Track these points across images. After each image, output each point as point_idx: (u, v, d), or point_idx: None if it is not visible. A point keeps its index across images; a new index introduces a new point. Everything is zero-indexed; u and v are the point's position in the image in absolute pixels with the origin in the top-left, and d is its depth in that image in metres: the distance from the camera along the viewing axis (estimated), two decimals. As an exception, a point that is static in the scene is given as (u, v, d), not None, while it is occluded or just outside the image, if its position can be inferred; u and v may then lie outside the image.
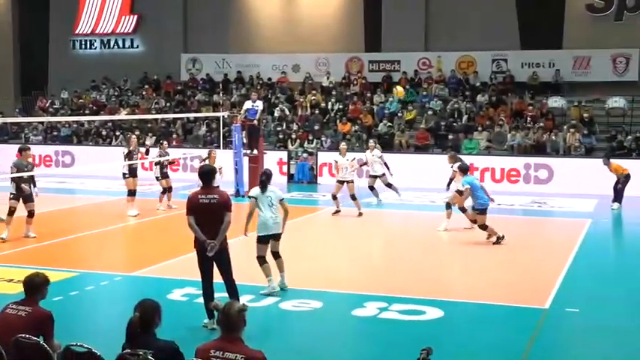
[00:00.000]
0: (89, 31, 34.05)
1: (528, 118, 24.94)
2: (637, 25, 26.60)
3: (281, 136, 26.46)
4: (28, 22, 34.72)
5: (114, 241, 15.29)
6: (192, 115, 27.39)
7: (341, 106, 27.77)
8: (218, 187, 9.04)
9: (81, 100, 31.88)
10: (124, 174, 17.50)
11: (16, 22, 34.98)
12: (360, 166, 19.45)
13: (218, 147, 22.21)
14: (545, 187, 22.08)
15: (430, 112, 26.18)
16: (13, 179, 13.95)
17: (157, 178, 18.46)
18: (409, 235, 16.29)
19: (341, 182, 17.81)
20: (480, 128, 24.76)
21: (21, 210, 14.14)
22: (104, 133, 28.94)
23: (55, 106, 31.87)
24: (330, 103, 28.13)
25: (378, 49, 29.72)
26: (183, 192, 17.65)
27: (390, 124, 26.04)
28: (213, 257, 8.52)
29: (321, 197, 20.99)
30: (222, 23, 31.48)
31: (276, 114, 27.94)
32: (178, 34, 32.64)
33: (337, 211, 17.70)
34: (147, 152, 18.84)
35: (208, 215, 8.44)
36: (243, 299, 8.89)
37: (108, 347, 5.70)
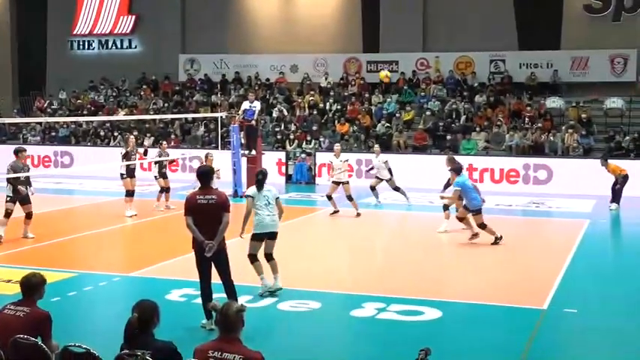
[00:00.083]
0: (87, 32, 34.06)
1: (526, 119, 24.97)
2: (635, 26, 26.66)
3: (279, 137, 26.46)
4: (26, 22, 34.70)
5: (112, 242, 15.28)
6: (190, 116, 27.39)
7: (339, 107, 27.77)
8: (217, 188, 9.02)
9: (79, 101, 31.86)
10: (121, 174, 17.49)
11: (14, 22, 34.97)
12: (368, 171, 19.57)
13: (216, 147, 22.22)
14: (545, 188, 22.10)
15: (428, 113, 26.19)
16: (9, 181, 13.89)
17: (155, 177, 18.49)
18: (407, 235, 16.30)
19: (336, 183, 17.81)
20: (478, 129, 24.77)
21: (18, 211, 14.12)
22: (102, 133, 28.92)
23: (53, 107, 31.85)
24: (328, 104, 28.13)
25: (376, 50, 29.74)
26: (181, 192, 17.63)
27: (388, 124, 26.04)
28: (211, 258, 8.51)
29: (320, 198, 20.96)
30: (221, 24, 31.48)
31: (274, 114, 27.93)
32: (176, 34, 32.65)
33: (335, 212, 17.69)
34: (145, 153, 18.82)
35: (206, 216, 8.44)
36: (242, 300, 8.89)
37: (106, 348, 5.70)
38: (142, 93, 31.45)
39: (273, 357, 5.60)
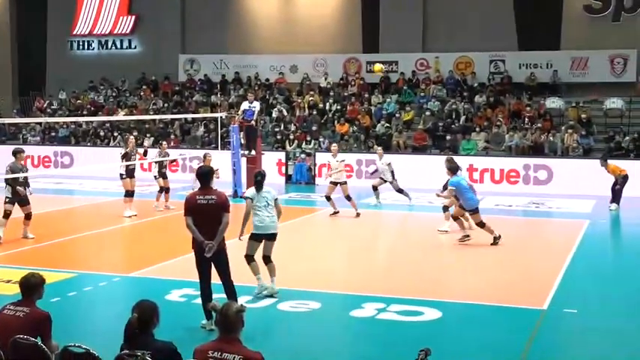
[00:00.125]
0: (87, 32, 34.06)
1: (526, 119, 24.97)
2: (634, 26, 26.67)
3: (279, 137, 26.47)
4: (26, 22, 34.69)
5: (112, 242, 15.28)
6: (190, 116, 27.39)
7: (339, 107, 27.77)
8: (216, 188, 9.01)
9: (79, 101, 31.86)
10: (121, 175, 17.49)
11: (13, 22, 34.96)
12: (372, 174, 19.60)
13: (216, 148, 22.21)
14: (545, 188, 22.10)
15: (428, 113, 26.20)
16: (8, 183, 13.88)
17: (154, 176, 18.50)
18: (407, 235, 16.30)
19: (334, 183, 17.79)
20: (477, 129, 24.78)
21: (18, 212, 14.12)
22: (102, 133, 28.92)
23: (52, 107, 31.85)
24: (327, 104, 28.13)
25: (376, 50, 29.73)
26: (181, 193, 17.63)
27: (387, 124, 26.04)
28: (211, 258, 8.51)
29: (319, 198, 20.92)
30: (220, 24, 31.48)
31: (273, 115, 27.94)
32: (176, 34, 32.65)
33: (335, 212, 17.68)
34: (145, 153, 18.82)
35: (206, 216, 8.43)
36: (241, 300, 8.90)
37: (106, 348, 5.70)
38: (141, 93, 31.45)
39: (273, 357, 5.60)
